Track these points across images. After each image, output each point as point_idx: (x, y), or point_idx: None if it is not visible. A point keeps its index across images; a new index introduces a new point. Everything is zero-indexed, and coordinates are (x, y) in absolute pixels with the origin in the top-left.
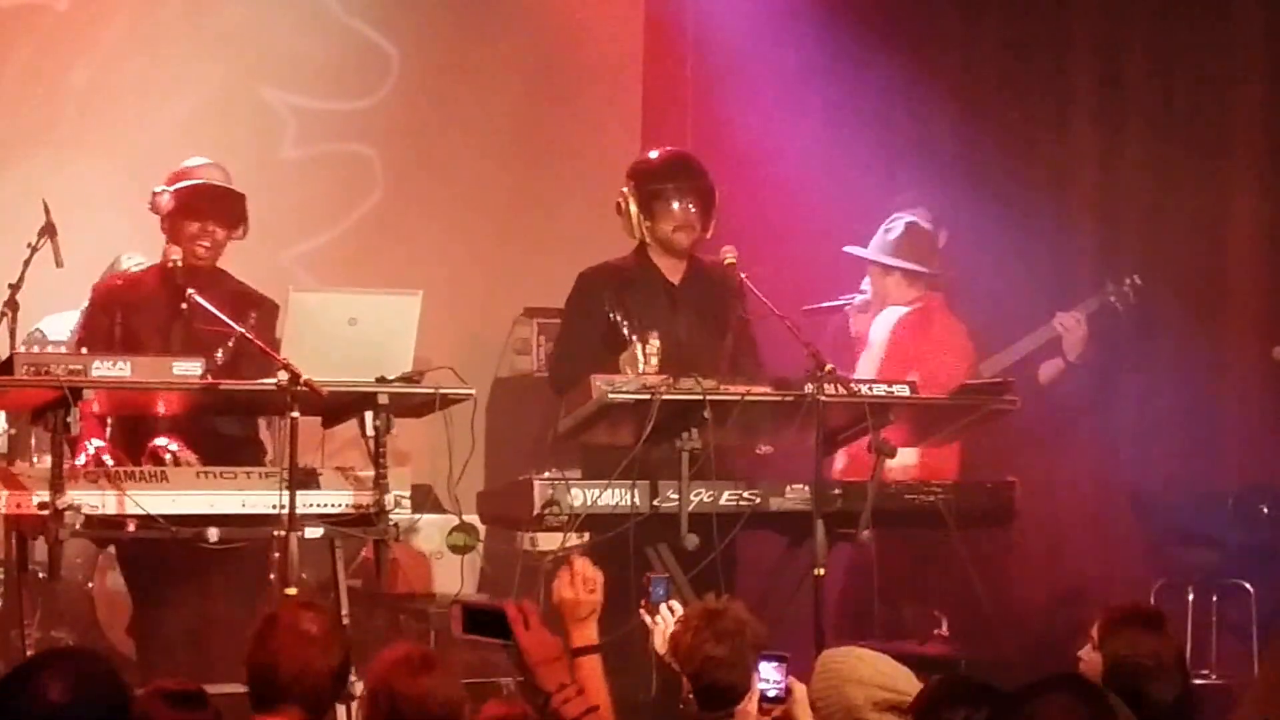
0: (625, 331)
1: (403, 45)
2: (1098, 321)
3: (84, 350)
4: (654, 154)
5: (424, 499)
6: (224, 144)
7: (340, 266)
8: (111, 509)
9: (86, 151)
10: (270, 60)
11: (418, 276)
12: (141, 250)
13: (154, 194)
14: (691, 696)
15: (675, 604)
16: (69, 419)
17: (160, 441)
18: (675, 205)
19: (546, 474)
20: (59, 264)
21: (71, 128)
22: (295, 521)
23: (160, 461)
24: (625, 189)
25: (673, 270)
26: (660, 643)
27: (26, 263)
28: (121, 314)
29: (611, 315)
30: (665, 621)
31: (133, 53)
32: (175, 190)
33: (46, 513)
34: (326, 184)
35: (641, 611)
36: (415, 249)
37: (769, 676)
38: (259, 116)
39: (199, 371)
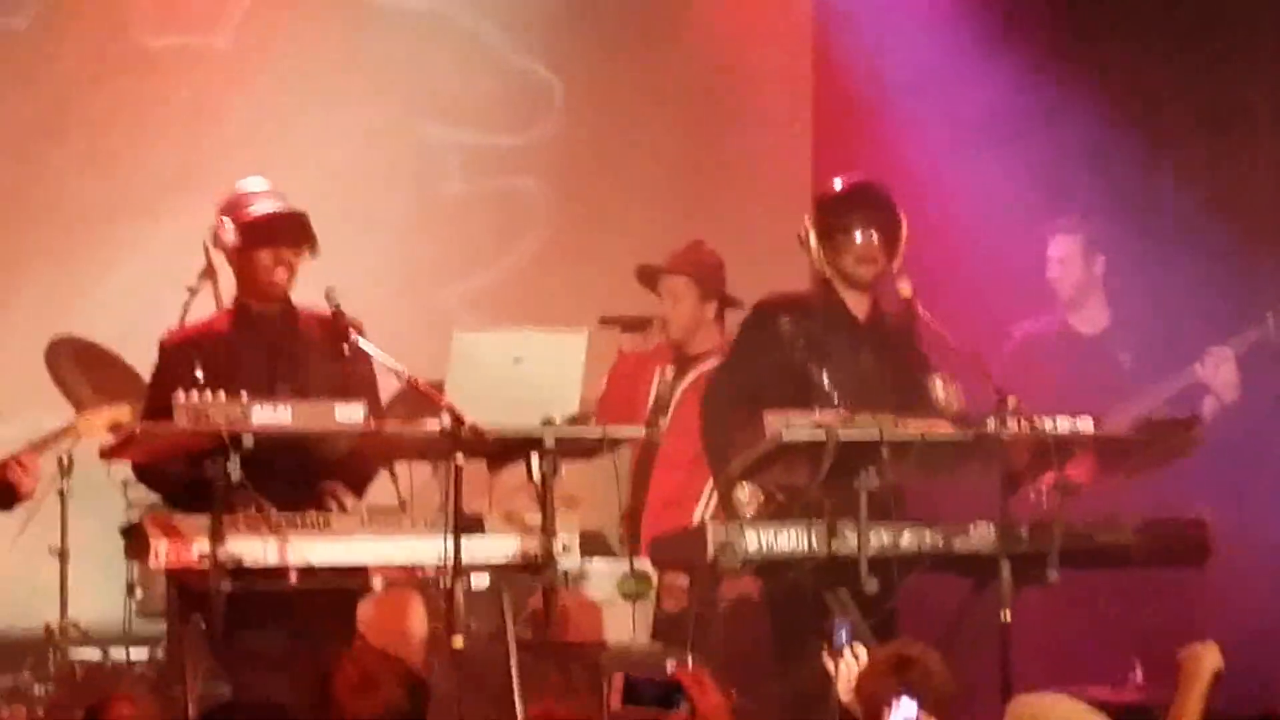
0: (804, 366)
1: (565, 77)
2: (1255, 357)
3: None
4: (837, 183)
5: (596, 544)
6: (384, 182)
7: (505, 304)
8: (273, 559)
9: None
10: (430, 96)
11: (586, 312)
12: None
13: (214, 228)
14: None
15: (860, 647)
16: (229, 466)
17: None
18: (857, 237)
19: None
20: (219, 307)
21: (230, 168)
22: (459, 569)
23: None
24: (807, 220)
25: (857, 304)
26: (844, 689)
27: (186, 306)
28: (201, 366)
29: (789, 348)
30: (849, 667)
31: (291, 92)
32: (240, 224)
33: (207, 564)
34: (490, 220)
35: (824, 656)
36: (582, 284)
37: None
38: (420, 153)
39: (361, 416)
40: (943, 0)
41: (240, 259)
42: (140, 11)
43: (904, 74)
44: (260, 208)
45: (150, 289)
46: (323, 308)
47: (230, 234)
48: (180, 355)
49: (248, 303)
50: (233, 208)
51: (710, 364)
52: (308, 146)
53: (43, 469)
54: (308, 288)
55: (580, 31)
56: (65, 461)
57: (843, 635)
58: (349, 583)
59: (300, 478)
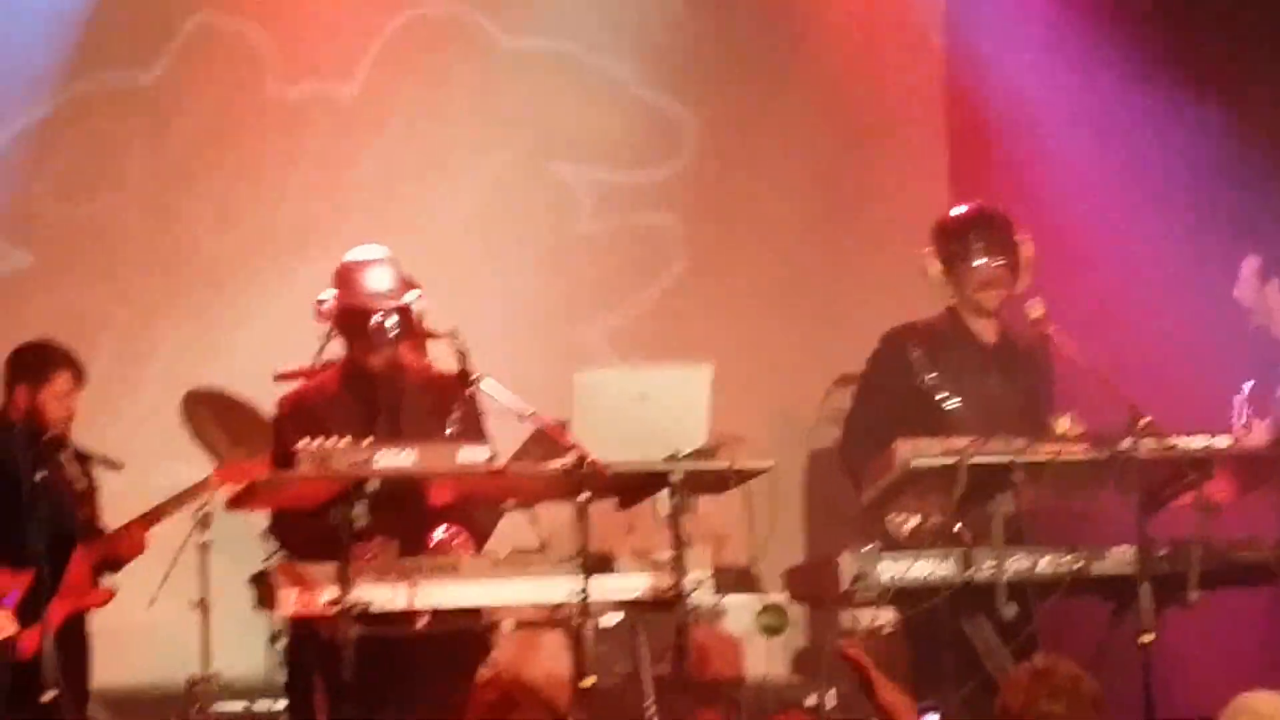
0: (935, 394)
1: (697, 111)
2: None
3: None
4: (955, 211)
5: (736, 580)
6: (517, 222)
7: (643, 340)
8: (402, 604)
9: (378, 238)
10: (561, 135)
11: (723, 347)
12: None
13: (318, 304)
14: None
15: None
16: (354, 512)
17: (441, 534)
18: (979, 264)
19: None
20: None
21: (362, 215)
22: (587, 608)
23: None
24: (927, 250)
25: (986, 330)
26: None
27: (320, 351)
28: (316, 423)
29: (920, 377)
30: None
31: (420, 137)
32: (340, 308)
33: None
34: (626, 256)
35: None
36: (720, 319)
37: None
38: (553, 192)
39: (485, 457)
40: (1074, 27)
41: (345, 330)
42: (269, 62)
43: (1039, 99)
44: (365, 287)
45: (285, 339)
46: (433, 364)
47: (329, 313)
48: (297, 413)
49: (355, 363)
50: (340, 280)
51: None
52: (440, 190)
53: (181, 521)
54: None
55: (711, 66)
56: (205, 514)
57: None
58: (478, 625)
59: (422, 525)
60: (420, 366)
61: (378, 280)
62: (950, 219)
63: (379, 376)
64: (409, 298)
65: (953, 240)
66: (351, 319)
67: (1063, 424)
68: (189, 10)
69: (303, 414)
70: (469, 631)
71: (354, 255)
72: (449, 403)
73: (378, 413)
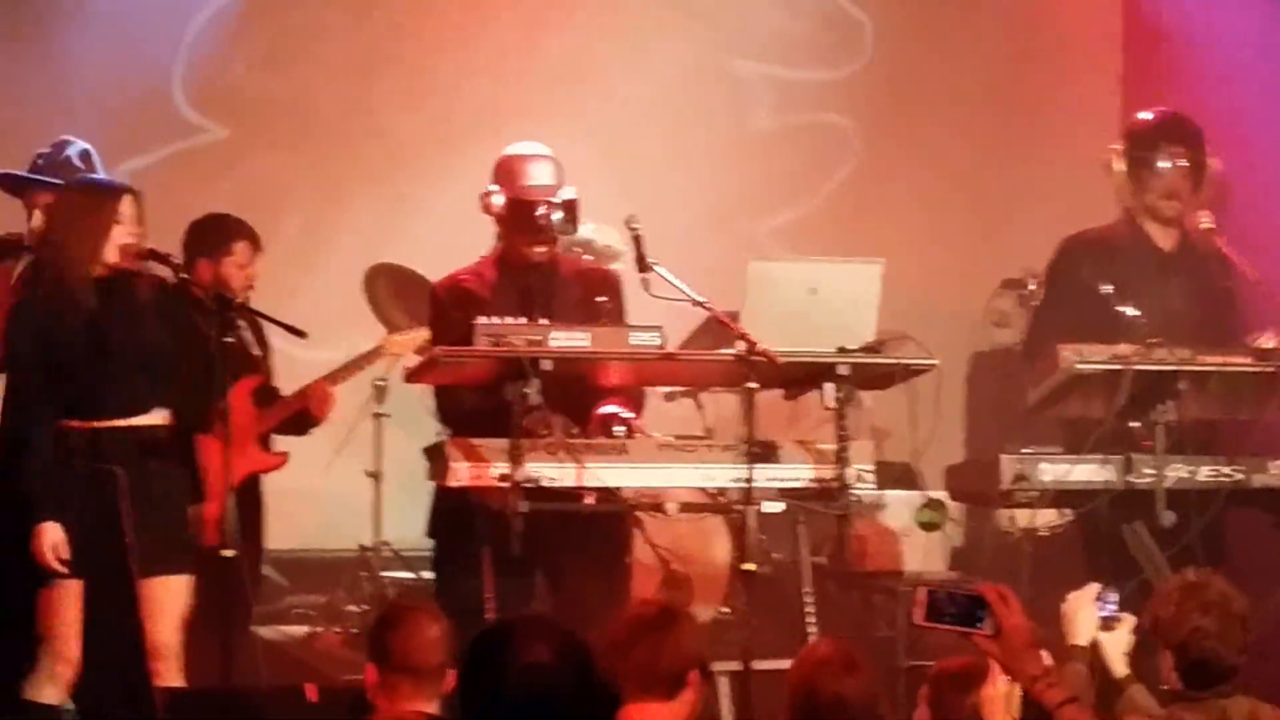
0: (1111, 301)
1: (875, 14)
2: None
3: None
4: (1148, 115)
5: (897, 475)
6: (695, 116)
7: (813, 238)
8: (570, 481)
9: (558, 125)
10: (742, 32)
11: (892, 248)
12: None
13: (484, 196)
14: (1175, 674)
15: (1127, 618)
16: (527, 390)
17: (610, 409)
18: (1166, 172)
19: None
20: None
21: (543, 102)
22: (751, 495)
23: (610, 430)
24: (1115, 149)
25: (1163, 238)
26: (1116, 662)
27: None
28: (474, 307)
29: (1095, 284)
30: (1116, 641)
31: (604, 28)
32: (506, 201)
33: (506, 485)
34: (800, 155)
35: (1066, 608)
36: (890, 220)
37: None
38: (731, 89)
39: (657, 341)
40: None
41: (506, 224)
42: None
43: (1219, 18)
44: (530, 181)
45: (464, 220)
46: (589, 259)
47: (498, 206)
48: (455, 299)
49: (514, 252)
50: (504, 174)
51: None
52: (620, 81)
53: (358, 393)
54: (612, 218)
55: None
56: (381, 386)
57: (1110, 605)
58: (643, 506)
59: (583, 406)
60: (571, 259)
61: (542, 174)
62: (1144, 121)
63: (537, 267)
64: (569, 193)
65: (1143, 143)
66: (516, 210)
67: (1266, 341)
68: None
69: (460, 297)
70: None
71: (517, 149)
72: (596, 295)
73: (533, 301)
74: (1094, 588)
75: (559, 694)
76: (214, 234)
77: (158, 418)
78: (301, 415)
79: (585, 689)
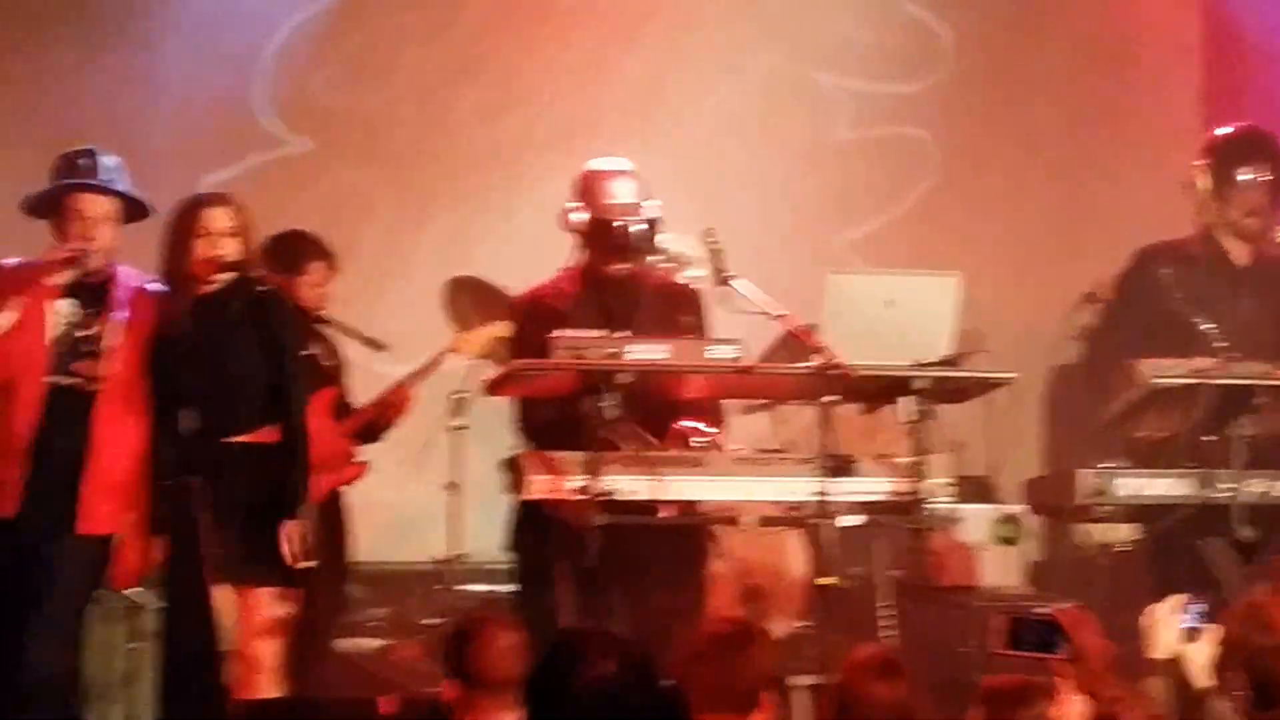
0: (1184, 314)
1: (957, 26)
2: None
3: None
4: (1231, 130)
5: (974, 489)
6: (774, 129)
7: (892, 251)
8: (646, 494)
9: (637, 138)
10: (823, 44)
11: (970, 261)
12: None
13: (566, 212)
14: (1246, 692)
15: (1212, 629)
16: (604, 403)
17: (688, 423)
18: (1248, 188)
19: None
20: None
21: (622, 115)
22: (826, 509)
23: (686, 443)
24: (1198, 164)
25: (1239, 252)
26: (1198, 673)
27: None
28: (555, 320)
29: (1169, 296)
30: (1201, 652)
31: (683, 42)
32: (590, 219)
33: (583, 498)
34: (880, 167)
35: (1146, 621)
36: (967, 233)
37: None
38: (811, 100)
39: (735, 354)
40: None
41: (588, 240)
42: None
43: None
44: (613, 197)
45: (543, 233)
46: (668, 266)
47: (580, 222)
48: (535, 313)
49: (596, 268)
50: (587, 190)
51: None
52: (699, 94)
53: (435, 404)
54: (690, 231)
55: None
56: (460, 399)
57: (1195, 616)
58: (721, 519)
59: (663, 421)
60: (653, 272)
61: (625, 191)
62: (1225, 137)
63: (619, 282)
64: (652, 210)
65: (1226, 159)
66: (599, 227)
67: None
68: None
69: (542, 311)
70: (703, 526)
71: (599, 165)
72: (678, 312)
73: (613, 316)
74: (1177, 599)
75: (625, 706)
76: (290, 253)
77: (263, 434)
78: (373, 422)
79: (650, 702)
